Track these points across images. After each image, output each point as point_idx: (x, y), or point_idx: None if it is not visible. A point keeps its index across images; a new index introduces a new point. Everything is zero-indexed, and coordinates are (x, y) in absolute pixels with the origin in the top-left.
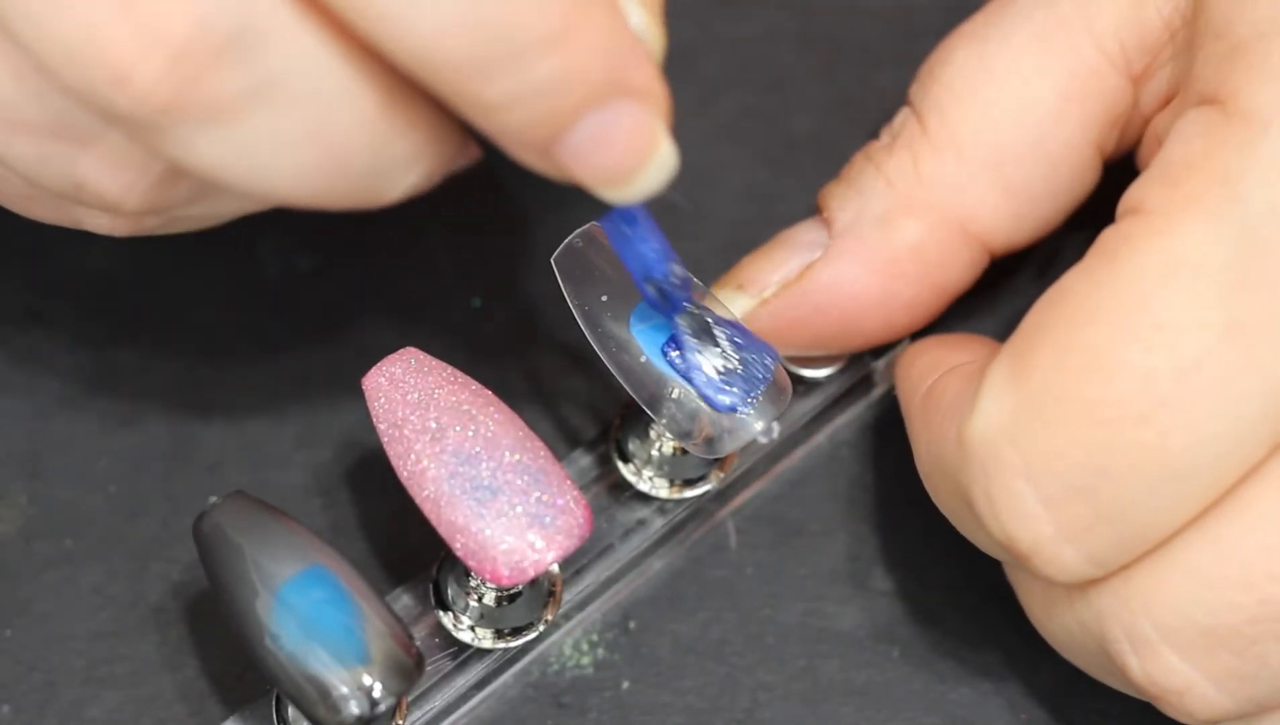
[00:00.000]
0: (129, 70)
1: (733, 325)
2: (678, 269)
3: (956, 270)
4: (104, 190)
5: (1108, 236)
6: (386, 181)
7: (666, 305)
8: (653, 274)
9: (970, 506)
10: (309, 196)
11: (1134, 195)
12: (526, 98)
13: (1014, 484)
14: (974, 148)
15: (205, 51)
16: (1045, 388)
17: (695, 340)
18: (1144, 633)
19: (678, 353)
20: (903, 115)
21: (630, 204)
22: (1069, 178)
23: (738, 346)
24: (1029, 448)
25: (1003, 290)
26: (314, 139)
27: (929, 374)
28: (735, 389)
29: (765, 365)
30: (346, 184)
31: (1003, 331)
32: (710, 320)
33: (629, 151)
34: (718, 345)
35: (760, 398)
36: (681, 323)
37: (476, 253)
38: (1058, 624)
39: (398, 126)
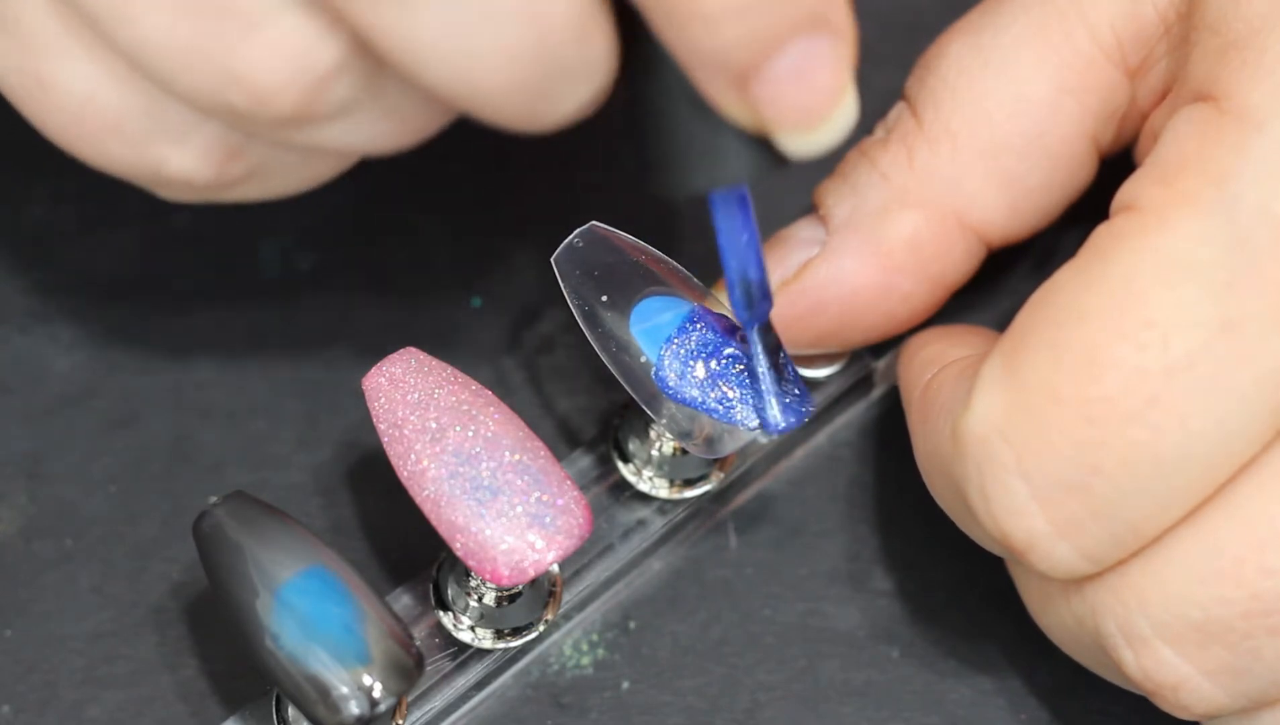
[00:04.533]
0: (241, 78)
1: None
2: (768, 280)
3: (954, 262)
4: (263, 82)
5: (1100, 234)
6: (573, 87)
7: (750, 312)
8: (748, 272)
9: (966, 502)
10: (502, 88)
11: (1127, 192)
12: (745, 9)
13: (1007, 480)
14: (969, 140)
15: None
16: (1038, 385)
17: (768, 357)
18: (1138, 628)
19: (717, 364)
20: (897, 109)
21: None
22: (1065, 171)
23: (792, 381)
24: (1022, 444)
25: (1001, 285)
26: (526, 16)
27: (929, 368)
28: (790, 413)
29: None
30: (540, 82)
31: (1002, 326)
32: (778, 343)
33: (826, 90)
34: (780, 368)
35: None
36: (755, 337)
37: (476, 253)
38: (1054, 619)
39: (599, 27)
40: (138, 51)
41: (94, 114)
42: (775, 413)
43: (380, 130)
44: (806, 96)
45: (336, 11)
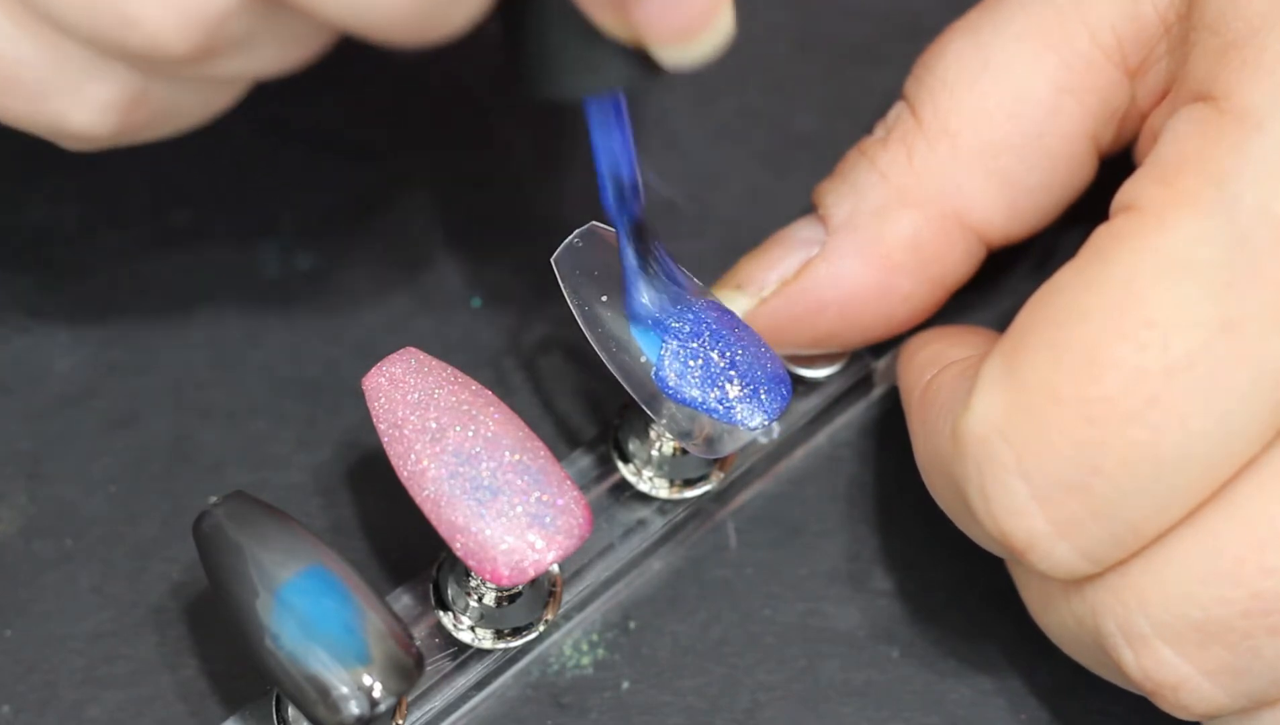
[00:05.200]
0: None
1: (735, 326)
2: (640, 179)
3: (953, 262)
4: (159, 23)
5: (1100, 234)
6: (458, 7)
7: (621, 208)
8: (619, 171)
9: (966, 502)
10: (392, 16)
11: (1127, 192)
12: None
13: (1007, 480)
14: (968, 139)
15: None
16: (1038, 385)
17: (635, 249)
18: (1138, 627)
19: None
20: (897, 109)
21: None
22: (1064, 170)
23: (667, 274)
24: (1022, 444)
25: (1001, 285)
26: None
27: (929, 368)
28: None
29: (767, 366)
30: (429, 4)
31: (1001, 326)
32: (651, 239)
33: (701, 8)
34: (654, 262)
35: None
36: (624, 230)
37: (476, 253)
38: (1055, 619)
39: None
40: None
41: None
42: (644, 297)
43: (274, 57)
44: (682, 15)
45: None
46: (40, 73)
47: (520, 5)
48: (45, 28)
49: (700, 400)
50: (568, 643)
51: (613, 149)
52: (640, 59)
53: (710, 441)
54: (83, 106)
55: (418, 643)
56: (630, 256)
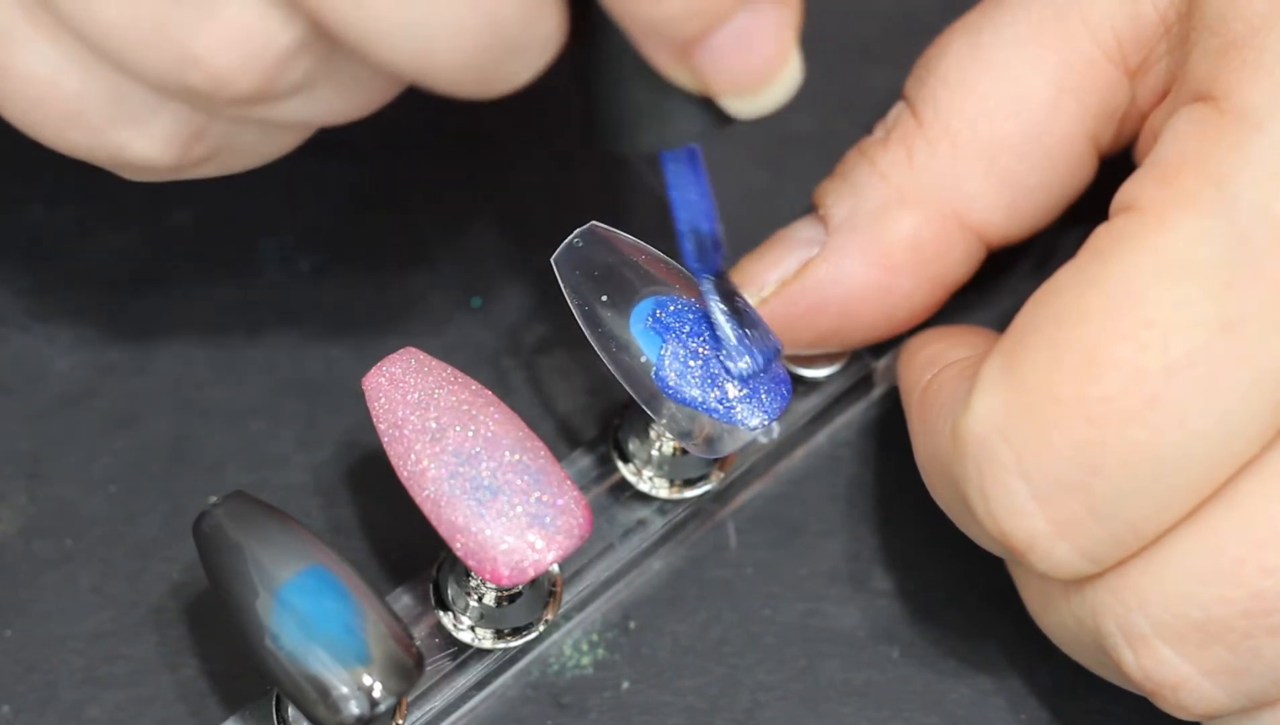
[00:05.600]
0: (205, 61)
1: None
2: (721, 229)
3: (953, 262)
4: (222, 64)
5: (1100, 234)
6: (523, 60)
7: (703, 263)
8: (699, 225)
9: (966, 502)
10: (454, 65)
11: (1127, 192)
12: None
13: (1007, 480)
14: (968, 139)
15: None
16: (1037, 385)
17: (722, 302)
18: (1138, 627)
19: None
20: (897, 109)
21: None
22: (1064, 170)
23: (753, 324)
24: (1022, 444)
25: (1001, 285)
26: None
27: (929, 368)
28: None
29: (776, 368)
30: (492, 57)
31: (1001, 326)
32: (734, 291)
33: (769, 57)
34: (739, 313)
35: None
36: (708, 286)
37: (476, 253)
38: (1055, 619)
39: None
40: (98, 36)
41: (56, 100)
42: (744, 360)
43: (337, 103)
44: (749, 64)
45: None
46: (102, 106)
47: (590, 59)
48: (107, 64)
49: (700, 400)
50: (568, 643)
51: (690, 202)
52: (711, 109)
53: (710, 441)
54: (143, 139)
55: (418, 643)
56: (719, 313)
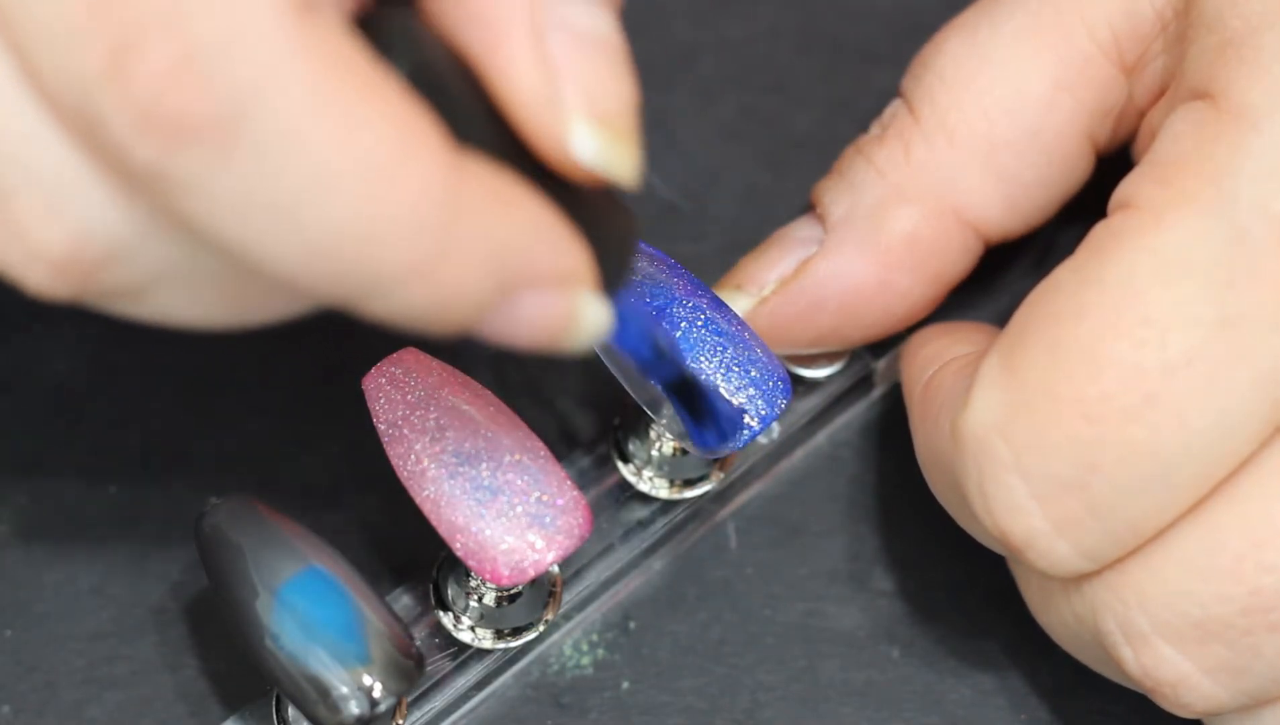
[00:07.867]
0: (21, 273)
1: (737, 336)
2: (670, 340)
3: (951, 258)
4: (46, 255)
5: (1098, 232)
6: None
7: (659, 373)
8: (640, 351)
9: (965, 500)
10: (219, 324)
11: (1125, 191)
12: (410, 315)
13: (1006, 478)
14: (965, 135)
15: (85, 263)
16: (1036, 383)
17: (684, 408)
18: (1137, 625)
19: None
20: (894, 106)
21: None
22: (1061, 167)
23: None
24: (1020, 442)
25: (999, 282)
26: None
27: (930, 365)
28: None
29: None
30: (245, 317)
31: (1000, 323)
32: (710, 397)
33: (544, 331)
34: (710, 420)
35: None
36: (675, 398)
37: None
38: (1055, 616)
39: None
40: None
41: None
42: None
43: (204, 307)
44: (527, 338)
45: (132, 182)
46: None
47: None
48: None
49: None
50: (568, 643)
51: (628, 339)
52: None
53: None
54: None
55: (418, 643)
56: (689, 422)
